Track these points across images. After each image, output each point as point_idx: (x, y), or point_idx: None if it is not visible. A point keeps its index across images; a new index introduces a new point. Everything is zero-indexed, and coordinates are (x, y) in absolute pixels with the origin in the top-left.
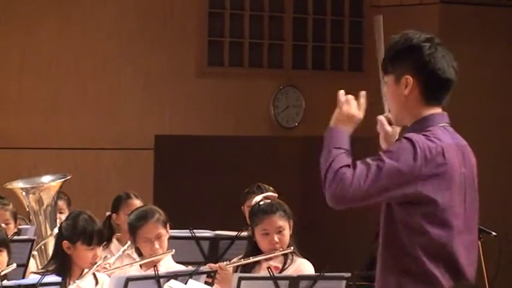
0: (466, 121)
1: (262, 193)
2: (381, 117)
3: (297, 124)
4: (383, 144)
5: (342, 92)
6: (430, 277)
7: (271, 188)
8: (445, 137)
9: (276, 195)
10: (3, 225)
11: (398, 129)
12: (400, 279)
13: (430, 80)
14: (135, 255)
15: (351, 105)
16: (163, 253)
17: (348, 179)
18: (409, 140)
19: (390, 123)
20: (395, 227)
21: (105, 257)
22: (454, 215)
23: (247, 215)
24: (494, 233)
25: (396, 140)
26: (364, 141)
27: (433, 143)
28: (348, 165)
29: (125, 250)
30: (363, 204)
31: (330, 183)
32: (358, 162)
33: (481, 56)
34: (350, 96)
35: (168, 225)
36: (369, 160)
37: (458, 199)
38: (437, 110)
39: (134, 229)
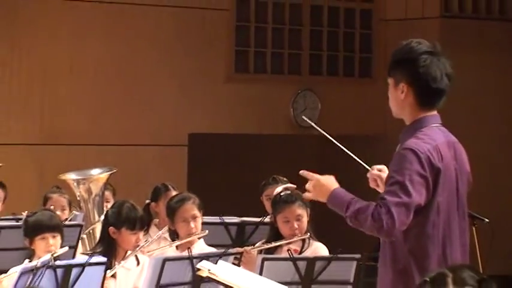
0: (466, 118)
1: (278, 184)
2: (369, 175)
3: (314, 124)
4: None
5: (303, 173)
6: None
7: (285, 179)
8: (437, 136)
9: (295, 186)
10: (58, 212)
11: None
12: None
13: (423, 90)
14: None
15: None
16: (198, 233)
17: (388, 217)
18: (410, 149)
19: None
20: None
21: (145, 240)
22: (448, 203)
23: (265, 203)
24: (486, 220)
25: (397, 154)
26: (369, 139)
27: (428, 145)
28: (368, 206)
29: (160, 235)
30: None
31: (371, 228)
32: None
33: (478, 64)
34: (310, 174)
35: (201, 211)
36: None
37: (452, 189)
38: (431, 112)
39: (173, 210)
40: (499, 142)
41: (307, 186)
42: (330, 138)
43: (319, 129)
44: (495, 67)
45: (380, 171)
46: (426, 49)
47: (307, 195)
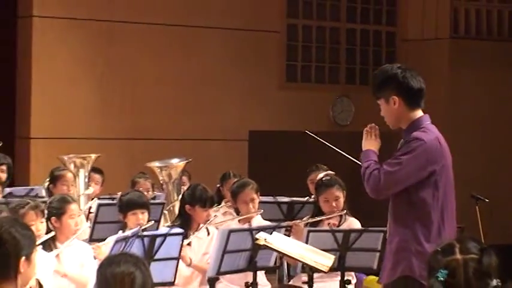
0: (472, 119)
1: (319, 171)
2: None
3: (348, 123)
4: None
5: (366, 129)
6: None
7: (325, 167)
8: (435, 130)
9: (334, 173)
10: (144, 193)
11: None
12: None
13: (409, 94)
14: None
15: (372, 141)
16: (255, 211)
17: (377, 177)
18: (419, 139)
19: None
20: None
21: (215, 215)
22: (445, 181)
23: (310, 187)
24: (487, 200)
25: (406, 142)
26: (392, 135)
27: (431, 135)
28: (377, 169)
29: (226, 211)
30: (389, 192)
31: (367, 182)
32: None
33: (481, 78)
34: (371, 127)
35: (258, 193)
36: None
37: (448, 170)
38: (421, 113)
39: (236, 194)
40: (502, 143)
41: (365, 133)
42: (329, 145)
43: (321, 140)
44: (495, 78)
45: None
46: (397, 66)
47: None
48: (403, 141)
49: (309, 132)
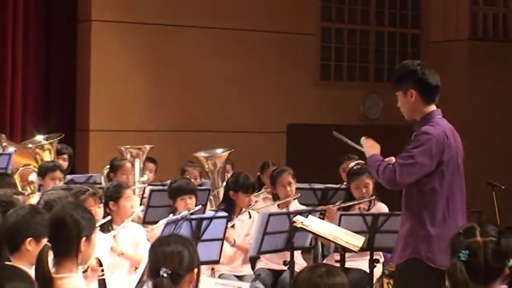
0: (490, 113)
1: (351, 160)
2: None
3: (377, 117)
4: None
5: (363, 138)
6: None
7: (356, 157)
8: (443, 124)
9: (364, 162)
10: (192, 180)
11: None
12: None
13: (425, 89)
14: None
15: (372, 143)
16: (292, 195)
17: (392, 170)
18: (427, 133)
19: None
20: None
21: (256, 201)
22: (451, 171)
23: (342, 174)
24: (503, 186)
25: (415, 135)
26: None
27: (438, 129)
28: (388, 164)
29: (266, 196)
30: (405, 183)
31: (382, 176)
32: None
33: (498, 76)
34: (367, 139)
35: (295, 178)
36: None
37: (454, 161)
38: (434, 107)
39: (275, 179)
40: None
41: (363, 140)
42: (354, 145)
43: (344, 138)
44: (508, 78)
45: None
46: (417, 63)
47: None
48: (414, 133)
49: (337, 134)
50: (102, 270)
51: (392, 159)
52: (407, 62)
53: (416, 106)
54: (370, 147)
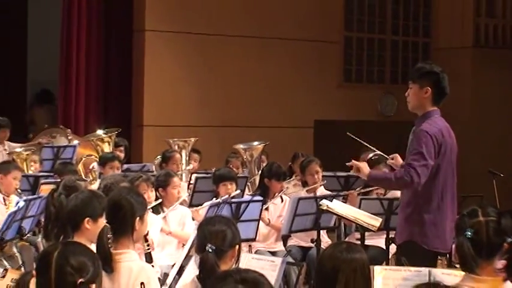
0: (491, 112)
1: (368, 152)
2: (388, 162)
3: (392, 114)
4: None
5: (353, 162)
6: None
7: (373, 148)
8: (440, 123)
9: (381, 153)
10: (234, 169)
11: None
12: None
13: (439, 92)
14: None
15: (363, 166)
16: (319, 182)
17: (413, 172)
18: (425, 131)
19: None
20: None
21: (287, 187)
22: (445, 166)
23: None
24: (502, 174)
25: (415, 133)
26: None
27: (436, 128)
28: (401, 170)
29: (296, 183)
30: (425, 179)
31: (404, 183)
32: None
33: (498, 78)
34: (355, 163)
35: (321, 167)
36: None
37: (448, 157)
38: (436, 108)
39: (304, 168)
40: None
41: (354, 169)
42: (362, 142)
43: (355, 138)
44: (507, 79)
45: (393, 160)
46: (440, 69)
47: (356, 171)
48: (414, 128)
49: (350, 134)
50: (148, 246)
51: (397, 157)
52: (432, 64)
53: (425, 102)
54: (362, 168)
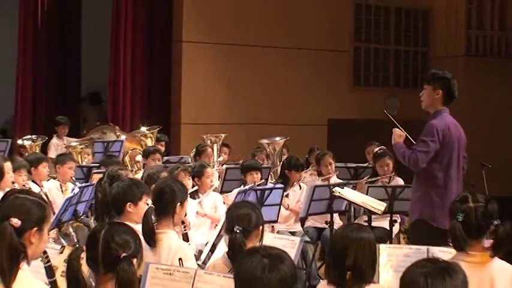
0: (483, 113)
1: (374, 145)
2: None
3: (395, 113)
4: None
5: (395, 129)
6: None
7: (377, 143)
8: (448, 120)
9: (385, 147)
10: (260, 161)
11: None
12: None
13: (448, 95)
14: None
15: (399, 133)
16: (332, 173)
17: (415, 157)
18: (434, 125)
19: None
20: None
21: (304, 177)
22: (449, 154)
23: (367, 157)
24: (489, 165)
25: (425, 127)
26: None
27: (442, 123)
28: (411, 152)
29: (311, 172)
30: (424, 165)
31: (408, 162)
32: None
33: (487, 84)
34: (396, 129)
35: (334, 159)
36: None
37: (454, 147)
38: (444, 107)
39: (319, 160)
40: (504, 128)
41: (394, 130)
42: (395, 122)
43: (390, 117)
44: (501, 88)
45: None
46: (451, 75)
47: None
48: (427, 124)
49: (387, 112)
50: (185, 227)
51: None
52: (445, 71)
53: (436, 102)
54: (397, 136)
